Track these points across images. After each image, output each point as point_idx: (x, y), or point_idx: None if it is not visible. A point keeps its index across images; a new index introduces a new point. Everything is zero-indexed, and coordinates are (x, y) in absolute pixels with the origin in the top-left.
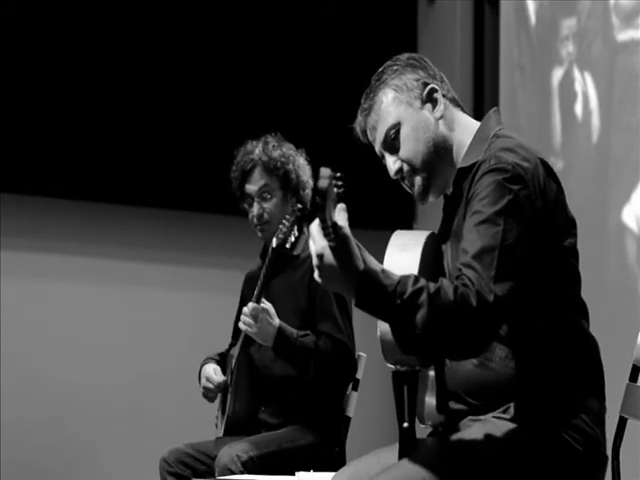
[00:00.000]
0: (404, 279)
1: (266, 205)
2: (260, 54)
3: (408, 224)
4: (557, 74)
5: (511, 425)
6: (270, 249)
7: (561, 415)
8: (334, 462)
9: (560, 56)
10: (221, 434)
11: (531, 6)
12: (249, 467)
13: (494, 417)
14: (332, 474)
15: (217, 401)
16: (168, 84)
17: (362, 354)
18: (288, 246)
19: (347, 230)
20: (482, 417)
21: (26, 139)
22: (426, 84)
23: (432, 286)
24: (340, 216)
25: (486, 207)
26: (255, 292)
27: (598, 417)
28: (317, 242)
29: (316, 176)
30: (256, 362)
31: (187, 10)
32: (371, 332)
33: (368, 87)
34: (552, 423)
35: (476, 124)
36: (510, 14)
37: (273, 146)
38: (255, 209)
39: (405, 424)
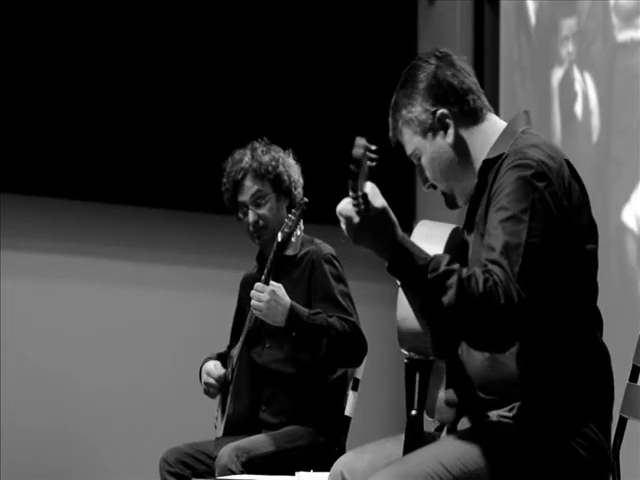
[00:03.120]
0: (438, 257)
1: (261, 211)
2: (259, 53)
3: (408, 224)
4: (557, 74)
5: (516, 427)
6: (275, 244)
7: (568, 421)
8: (334, 462)
9: (560, 56)
10: (220, 434)
11: (531, 6)
12: (249, 467)
13: (500, 416)
14: None
15: (217, 401)
16: (168, 84)
17: None
18: (294, 240)
19: (380, 202)
20: (488, 414)
21: (26, 139)
22: (435, 112)
23: (464, 272)
24: (372, 190)
25: (512, 204)
26: (263, 275)
27: (605, 425)
28: (348, 213)
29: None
30: (257, 362)
31: (187, 9)
32: (371, 332)
33: (391, 103)
34: (558, 428)
35: (503, 124)
36: (510, 14)
37: (262, 151)
38: (250, 216)
39: (413, 412)
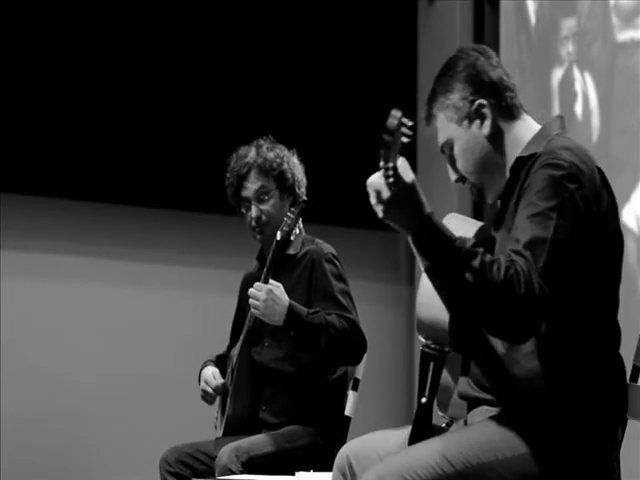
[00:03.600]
0: (463, 238)
1: (264, 207)
2: (259, 53)
3: None
4: (557, 74)
5: (524, 425)
6: (274, 242)
7: (577, 426)
8: (334, 462)
9: (560, 56)
10: (220, 434)
11: (531, 6)
12: (249, 467)
13: (508, 412)
14: (332, 474)
15: (217, 401)
16: (168, 85)
17: None
18: (292, 238)
19: (410, 177)
20: (498, 410)
21: (26, 139)
22: (473, 101)
23: (488, 256)
24: (403, 163)
25: (541, 200)
26: (263, 274)
27: (613, 436)
28: (379, 186)
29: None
30: (257, 361)
31: (187, 10)
32: (371, 332)
33: (429, 92)
34: (567, 432)
35: (537, 126)
36: (510, 14)
37: (267, 148)
38: (253, 212)
39: (424, 399)
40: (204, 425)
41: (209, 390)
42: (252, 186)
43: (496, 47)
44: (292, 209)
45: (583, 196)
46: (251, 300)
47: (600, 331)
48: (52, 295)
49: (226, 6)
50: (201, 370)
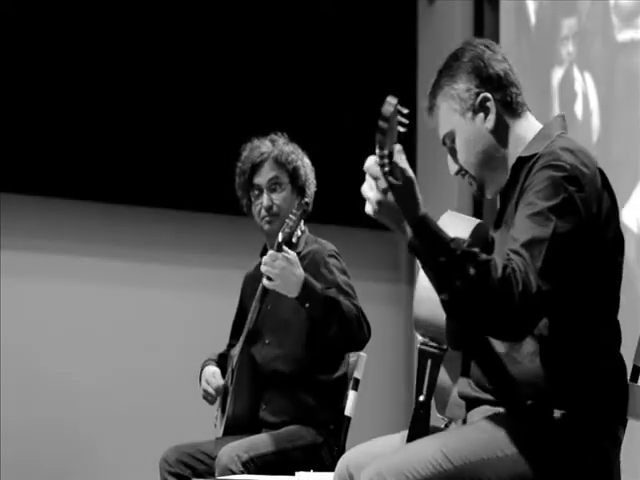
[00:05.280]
0: (459, 239)
1: (275, 197)
2: (259, 54)
3: None
4: (557, 74)
5: (524, 424)
6: (276, 243)
7: (578, 426)
8: (334, 462)
9: (560, 56)
10: (220, 434)
11: (531, 6)
12: (249, 467)
13: (509, 412)
14: (332, 474)
15: (217, 401)
16: (169, 85)
17: (362, 354)
18: (294, 240)
19: (411, 172)
20: (499, 409)
21: (26, 139)
22: (478, 94)
23: (484, 256)
24: (400, 157)
25: (541, 200)
26: (275, 244)
27: (614, 436)
28: (373, 170)
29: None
30: (257, 360)
31: (187, 9)
32: (371, 332)
33: (431, 83)
34: (567, 432)
35: (539, 125)
36: (510, 14)
37: (283, 142)
38: (265, 200)
39: (421, 397)
40: (204, 425)
41: (210, 390)
42: (266, 175)
43: None
44: (294, 211)
45: (583, 198)
46: (265, 269)
47: (600, 331)
48: (52, 295)
49: (227, 6)
50: (202, 369)
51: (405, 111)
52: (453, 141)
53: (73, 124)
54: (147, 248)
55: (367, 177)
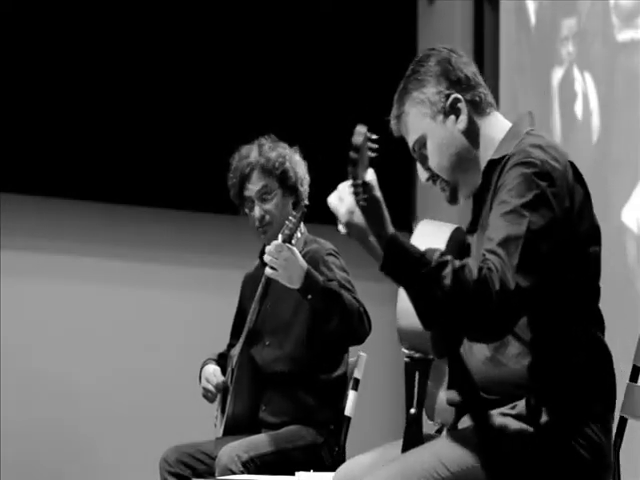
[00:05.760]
0: (430, 251)
1: (267, 206)
2: (259, 53)
3: (407, 221)
4: (557, 74)
5: (518, 424)
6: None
7: (569, 420)
8: (334, 462)
9: (560, 56)
10: (220, 434)
11: (531, 6)
12: (249, 467)
13: (501, 414)
14: (332, 474)
15: (217, 401)
16: (169, 85)
17: (362, 354)
18: (294, 242)
19: (379, 193)
20: (489, 412)
21: (26, 139)
22: (448, 96)
23: (457, 262)
24: (371, 179)
25: (513, 198)
26: (280, 235)
27: (606, 426)
28: (346, 200)
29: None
30: (257, 361)
31: (187, 9)
32: (371, 332)
33: (397, 90)
34: (559, 428)
35: (508, 123)
36: (510, 14)
37: (269, 147)
38: (256, 212)
39: (412, 410)
40: (204, 425)
41: (210, 388)
42: (254, 187)
43: (496, 47)
44: (293, 213)
45: (555, 193)
46: (269, 258)
47: (582, 322)
48: (52, 295)
49: (226, 6)
50: (202, 368)
51: (374, 137)
52: (423, 146)
53: (73, 124)
54: (147, 248)
55: (336, 204)
